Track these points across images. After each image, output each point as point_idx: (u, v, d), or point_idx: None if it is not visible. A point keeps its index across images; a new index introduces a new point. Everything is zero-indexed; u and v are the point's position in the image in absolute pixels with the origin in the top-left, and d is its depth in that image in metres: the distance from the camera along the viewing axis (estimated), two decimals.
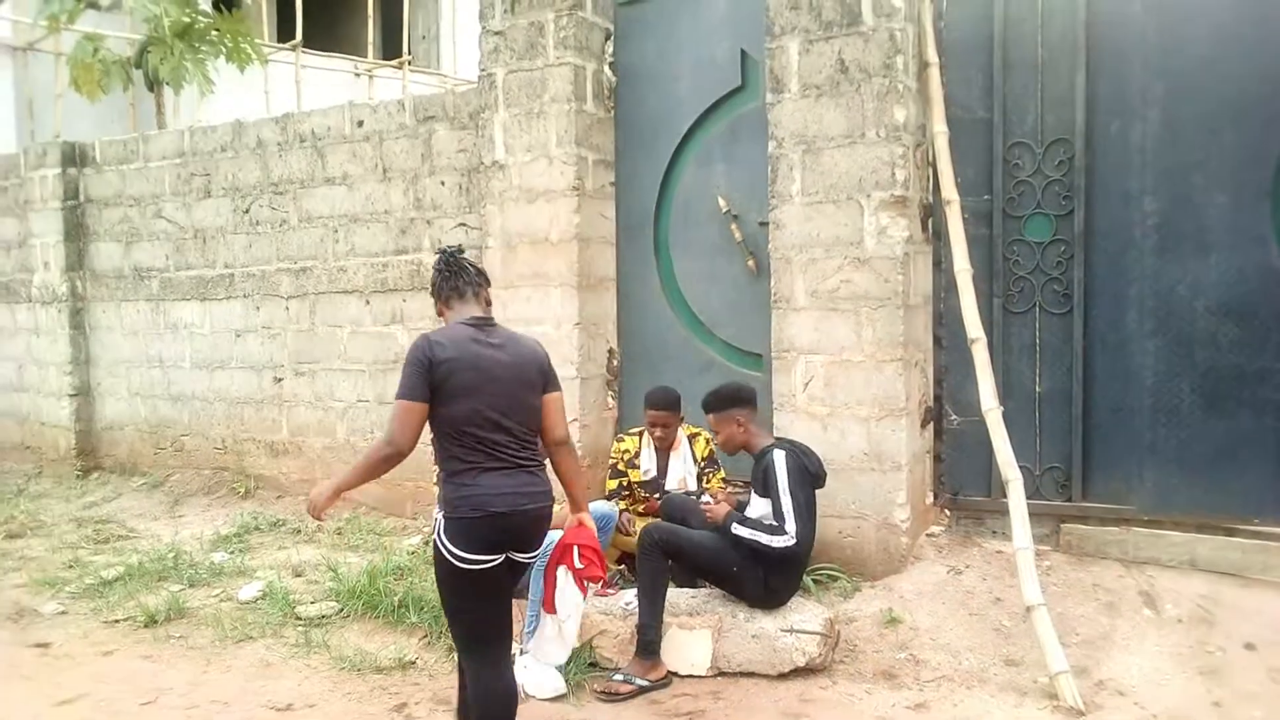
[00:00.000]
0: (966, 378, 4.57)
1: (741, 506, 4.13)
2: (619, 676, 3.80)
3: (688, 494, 4.51)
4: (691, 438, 4.77)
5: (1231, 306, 4.25)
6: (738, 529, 3.90)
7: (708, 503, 4.18)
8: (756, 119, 4.99)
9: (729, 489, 4.58)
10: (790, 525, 3.80)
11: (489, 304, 3.09)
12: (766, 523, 3.88)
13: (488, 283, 3.10)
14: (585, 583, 3.27)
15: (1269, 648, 3.74)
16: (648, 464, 4.74)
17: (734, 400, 4.09)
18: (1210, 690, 3.53)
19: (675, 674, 3.87)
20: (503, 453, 2.86)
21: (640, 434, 4.82)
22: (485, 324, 2.97)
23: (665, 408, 4.63)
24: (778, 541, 3.81)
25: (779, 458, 3.88)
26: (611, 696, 3.73)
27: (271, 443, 6.90)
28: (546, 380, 3.00)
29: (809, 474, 3.94)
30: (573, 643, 3.71)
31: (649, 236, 5.53)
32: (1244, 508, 4.27)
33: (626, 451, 4.80)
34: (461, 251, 3.09)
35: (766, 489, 3.89)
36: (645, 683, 3.76)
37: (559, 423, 3.02)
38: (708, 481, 4.69)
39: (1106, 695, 3.54)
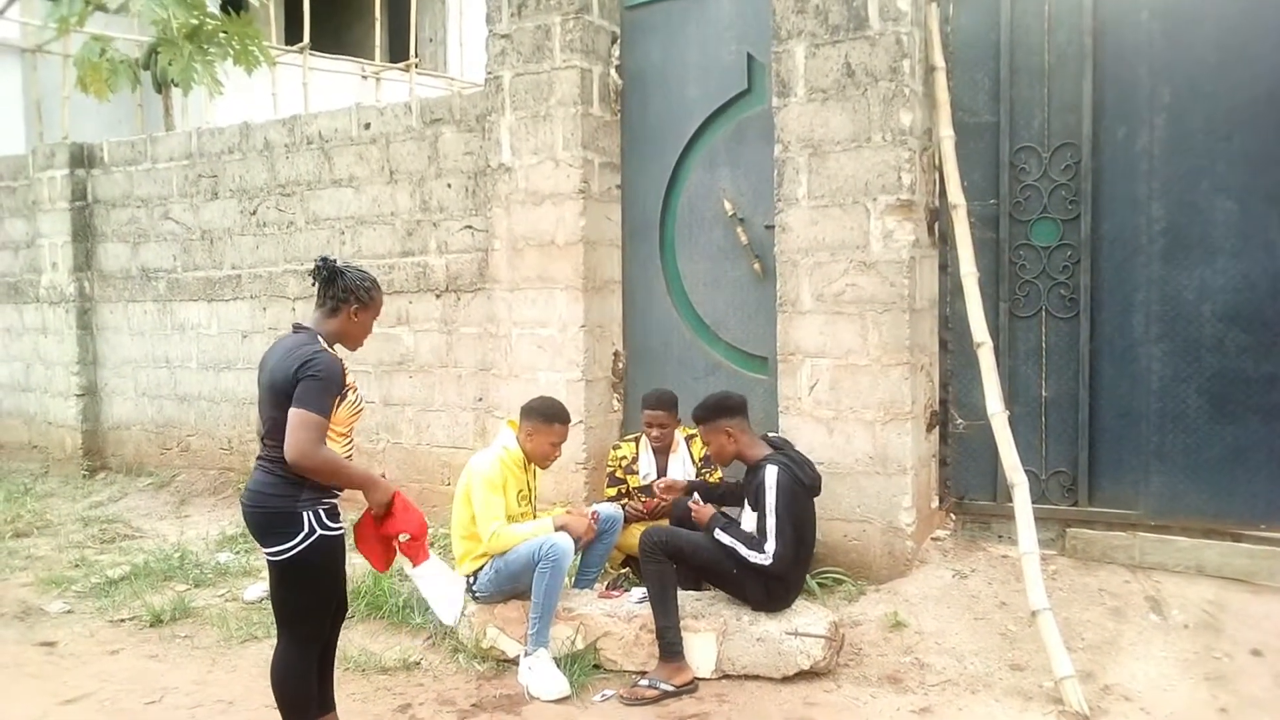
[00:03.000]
0: (972, 382, 4.57)
1: (726, 490, 4.23)
2: (644, 682, 3.77)
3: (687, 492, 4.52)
4: (689, 439, 4.77)
5: (1239, 312, 4.24)
6: (720, 534, 3.90)
7: (696, 502, 4.17)
8: (762, 122, 5.00)
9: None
10: (769, 545, 3.78)
11: (350, 317, 3.14)
12: (748, 534, 3.89)
13: (359, 300, 3.14)
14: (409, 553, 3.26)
15: (1276, 654, 3.73)
16: (647, 468, 4.75)
17: (719, 410, 4.02)
18: (1216, 696, 3.52)
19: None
20: (260, 450, 3.10)
21: (636, 439, 4.83)
22: (295, 330, 3.14)
23: (662, 407, 4.65)
24: (754, 557, 3.81)
25: (772, 475, 3.83)
26: (636, 702, 3.70)
27: None
28: (284, 393, 2.95)
29: (804, 487, 3.91)
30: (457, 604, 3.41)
31: (655, 239, 5.54)
32: (1251, 513, 4.26)
33: (624, 458, 4.81)
34: (332, 264, 3.15)
35: (756, 503, 3.89)
36: (670, 687, 3.73)
37: (288, 441, 2.89)
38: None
39: (1112, 700, 3.54)
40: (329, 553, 3.06)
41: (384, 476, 6.29)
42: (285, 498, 2.98)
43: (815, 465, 4.08)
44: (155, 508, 6.95)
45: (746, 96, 5.18)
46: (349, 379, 3.10)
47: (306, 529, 2.98)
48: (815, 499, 4.08)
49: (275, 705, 3.18)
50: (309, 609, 3.10)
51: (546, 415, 4.12)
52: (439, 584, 3.31)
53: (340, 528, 3.11)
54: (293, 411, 2.90)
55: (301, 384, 2.91)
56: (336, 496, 3.11)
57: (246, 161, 7.02)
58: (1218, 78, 4.24)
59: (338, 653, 4.14)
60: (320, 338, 3.10)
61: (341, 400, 3.04)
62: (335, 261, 3.17)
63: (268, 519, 3.01)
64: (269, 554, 3.04)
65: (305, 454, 2.88)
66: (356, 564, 5.15)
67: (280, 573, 3.05)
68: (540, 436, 4.10)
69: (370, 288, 3.17)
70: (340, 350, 3.20)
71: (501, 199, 5.62)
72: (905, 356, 4.44)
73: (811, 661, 3.78)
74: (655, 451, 4.76)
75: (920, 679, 3.77)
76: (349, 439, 3.19)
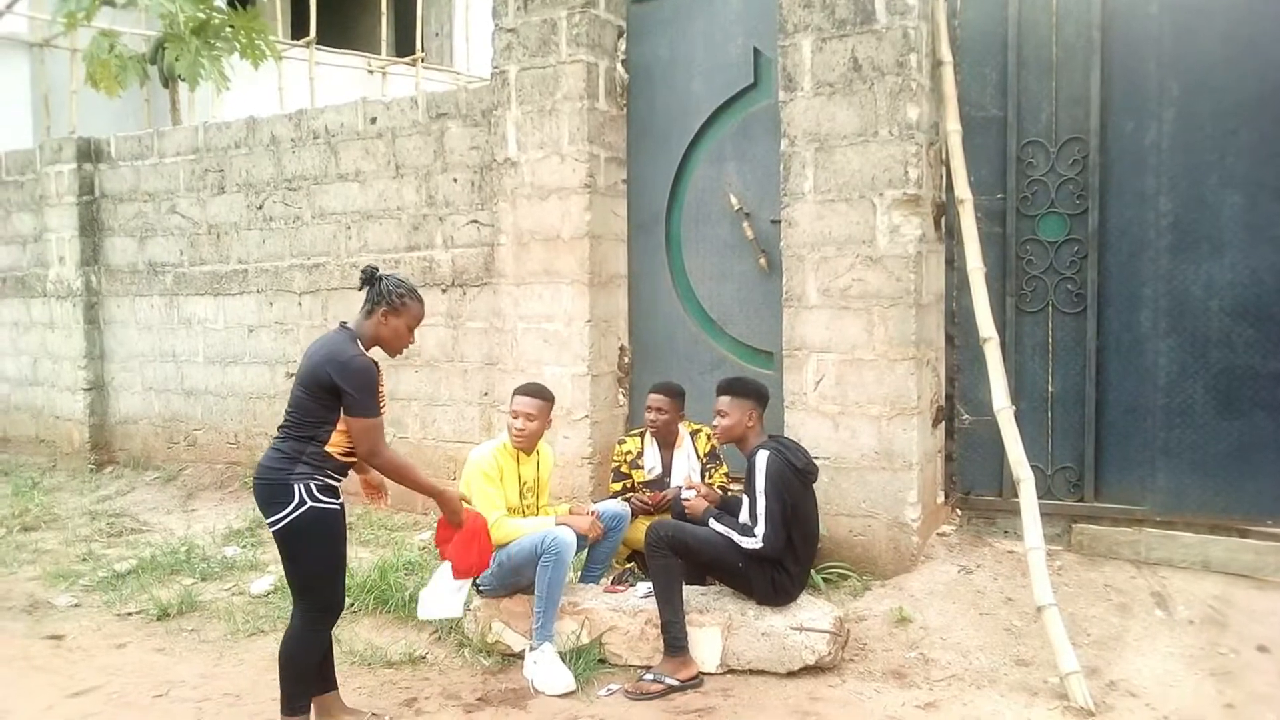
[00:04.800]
0: (979, 377, 4.56)
1: (729, 502, 4.16)
2: (649, 676, 3.79)
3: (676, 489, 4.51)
4: (693, 434, 4.77)
5: (1246, 307, 4.23)
6: (714, 524, 3.94)
7: (688, 498, 4.18)
8: (769, 117, 4.99)
9: (709, 487, 4.51)
10: (759, 529, 3.81)
11: (381, 321, 3.32)
12: (741, 522, 3.90)
13: (389, 305, 3.31)
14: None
15: None
16: (652, 462, 4.73)
17: (757, 393, 4.07)
18: (1222, 692, 3.51)
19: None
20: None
21: (641, 434, 4.82)
22: (341, 327, 3.35)
23: (663, 393, 4.65)
24: (746, 542, 3.83)
25: (762, 460, 3.86)
26: (641, 696, 3.71)
27: None
28: (318, 386, 3.19)
29: (796, 471, 3.91)
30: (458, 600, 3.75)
31: (660, 234, 5.54)
32: (1258, 509, 4.25)
33: (629, 453, 4.79)
34: (374, 271, 3.37)
35: (749, 489, 3.91)
36: (675, 682, 3.74)
37: (355, 441, 3.21)
38: (710, 477, 4.69)
39: (1117, 696, 3.53)
40: (322, 524, 3.22)
41: None
42: (280, 470, 3.20)
43: (810, 453, 4.08)
44: (162, 502, 6.97)
45: (753, 91, 5.18)
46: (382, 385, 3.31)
47: (297, 500, 3.17)
48: (819, 493, 4.08)
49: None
50: (312, 578, 3.27)
51: (516, 389, 4.23)
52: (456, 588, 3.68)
53: (335, 502, 3.26)
54: (353, 421, 3.17)
55: (346, 396, 3.15)
56: (334, 476, 3.26)
57: (253, 156, 7.02)
58: (1226, 71, 4.22)
59: (344, 646, 4.18)
60: (358, 339, 3.30)
61: None
62: (377, 270, 3.38)
63: (265, 490, 3.23)
64: (269, 525, 3.24)
65: (375, 453, 3.20)
66: (362, 558, 5.18)
67: (280, 544, 3.26)
68: (511, 414, 4.18)
69: (404, 295, 3.35)
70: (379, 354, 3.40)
71: (507, 193, 5.61)
72: (911, 351, 4.44)
73: (816, 657, 3.78)
74: (660, 446, 4.75)
75: (925, 674, 3.77)
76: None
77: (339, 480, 3.30)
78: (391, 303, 3.31)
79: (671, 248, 5.52)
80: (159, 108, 12.11)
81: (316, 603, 3.28)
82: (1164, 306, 4.37)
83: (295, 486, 3.17)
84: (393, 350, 3.42)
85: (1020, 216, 4.62)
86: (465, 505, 3.61)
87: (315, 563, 3.24)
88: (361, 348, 3.27)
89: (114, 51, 10.16)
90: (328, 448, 3.23)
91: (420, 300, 3.42)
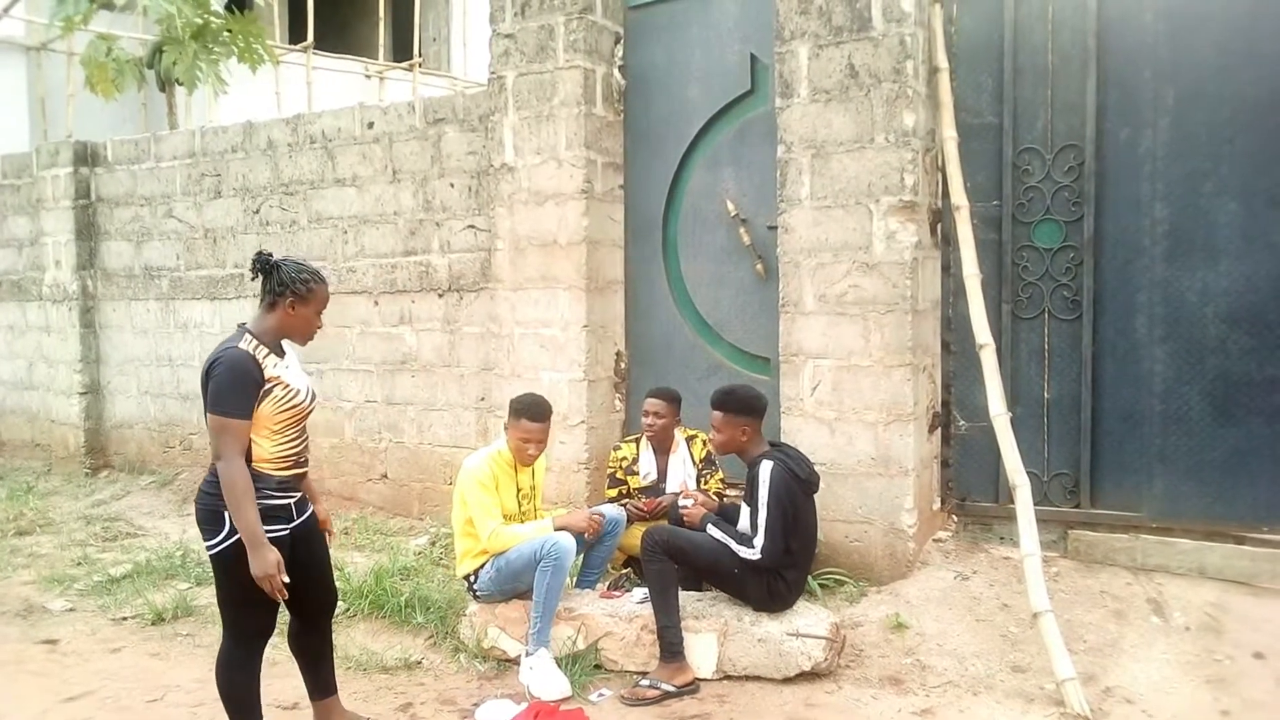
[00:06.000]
0: (975, 383, 4.57)
1: (726, 510, 4.15)
2: (645, 682, 3.78)
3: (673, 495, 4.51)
4: (689, 440, 4.77)
5: (1241, 314, 4.24)
6: (712, 529, 3.93)
7: (685, 506, 4.17)
8: (766, 123, 5.00)
9: (705, 494, 4.51)
10: (759, 540, 3.80)
11: (289, 311, 3.08)
12: (740, 531, 3.89)
13: (295, 294, 3.08)
14: None
15: (1278, 657, 3.72)
16: (647, 467, 4.74)
17: (750, 409, 3.98)
18: (1218, 699, 3.52)
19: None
20: None
21: (637, 440, 4.82)
22: (236, 328, 3.13)
23: (660, 397, 4.67)
24: (744, 552, 3.83)
25: (766, 470, 3.84)
26: (637, 702, 3.70)
27: None
28: (204, 389, 3.00)
29: (800, 482, 3.91)
30: None
31: (657, 240, 5.54)
32: (1254, 515, 4.25)
33: (625, 459, 4.80)
34: (269, 258, 3.11)
35: (751, 499, 3.89)
36: (671, 688, 3.74)
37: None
38: (705, 483, 4.69)
39: (1114, 703, 3.53)
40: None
41: (385, 477, 6.31)
42: (212, 496, 2.99)
43: (813, 463, 4.08)
44: (157, 506, 6.96)
45: (750, 97, 5.18)
46: (272, 373, 3.03)
47: (227, 529, 2.96)
48: (817, 499, 4.08)
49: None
50: (238, 605, 3.08)
51: (516, 410, 4.11)
52: None
53: (273, 530, 3.02)
54: (207, 417, 2.97)
55: (209, 389, 2.96)
56: (274, 496, 3.06)
57: (250, 160, 7.02)
58: (1222, 79, 4.23)
59: (339, 651, 4.17)
60: (251, 334, 3.06)
61: (266, 397, 3.00)
62: (271, 256, 3.13)
63: (200, 514, 3.04)
64: (205, 547, 3.07)
65: (219, 456, 2.94)
66: (357, 563, 5.17)
67: (212, 567, 3.09)
68: (511, 431, 4.11)
69: (308, 280, 3.10)
70: (291, 345, 3.20)
71: (504, 199, 5.62)
72: (907, 358, 4.44)
73: (812, 663, 3.78)
74: (655, 452, 4.75)
75: (921, 680, 3.76)
76: (287, 437, 3.10)
77: (284, 498, 3.09)
78: (297, 290, 3.06)
79: (668, 253, 5.52)
80: (156, 112, 12.11)
81: (242, 630, 3.12)
82: (1159, 313, 4.38)
83: (225, 514, 2.95)
84: (303, 339, 3.17)
85: (1016, 223, 4.63)
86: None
87: (242, 593, 3.01)
88: (249, 344, 3.01)
89: (111, 55, 10.16)
90: (259, 465, 3.00)
91: (324, 281, 3.17)
